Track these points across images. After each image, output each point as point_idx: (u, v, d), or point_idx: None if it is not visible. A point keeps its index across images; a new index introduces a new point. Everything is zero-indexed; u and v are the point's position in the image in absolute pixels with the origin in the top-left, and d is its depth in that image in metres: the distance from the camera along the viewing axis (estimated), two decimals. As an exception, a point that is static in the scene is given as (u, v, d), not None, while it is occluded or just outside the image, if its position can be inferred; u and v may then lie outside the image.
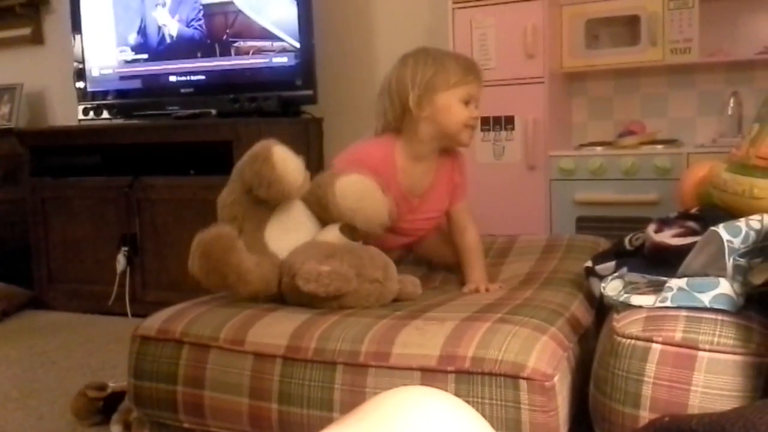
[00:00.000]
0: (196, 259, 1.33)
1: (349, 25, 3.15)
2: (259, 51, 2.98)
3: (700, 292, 0.98)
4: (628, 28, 2.61)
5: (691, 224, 1.27)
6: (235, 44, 3.03)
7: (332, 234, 1.43)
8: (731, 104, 2.55)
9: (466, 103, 1.50)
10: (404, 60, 1.54)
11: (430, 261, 1.77)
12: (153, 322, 1.33)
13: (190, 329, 1.27)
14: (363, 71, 3.12)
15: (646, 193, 2.39)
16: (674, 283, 1.03)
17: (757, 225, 1.01)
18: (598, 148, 2.56)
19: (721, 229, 1.01)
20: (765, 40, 2.54)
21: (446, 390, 1.04)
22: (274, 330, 1.22)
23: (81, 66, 3.37)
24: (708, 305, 0.96)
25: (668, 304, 1.00)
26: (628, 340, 0.93)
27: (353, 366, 1.12)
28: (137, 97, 3.26)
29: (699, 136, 2.67)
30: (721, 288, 0.97)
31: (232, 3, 3.01)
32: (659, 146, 2.49)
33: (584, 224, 2.52)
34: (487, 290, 1.48)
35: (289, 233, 1.43)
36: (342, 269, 1.29)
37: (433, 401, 0.51)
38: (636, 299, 1.06)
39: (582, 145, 2.68)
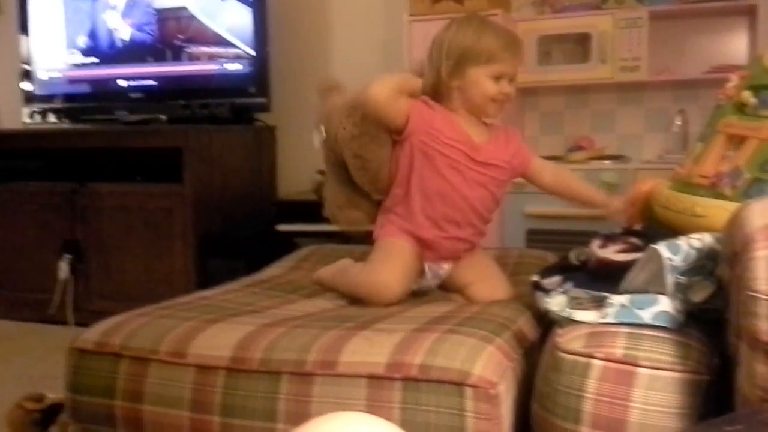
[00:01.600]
0: None
1: (305, 33, 3.14)
2: (212, 57, 2.95)
3: (640, 308, 0.99)
4: (580, 45, 2.66)
5: (635, 240, 1.29)
6: (188, 50, 2.98)
7: None
8: (678, 122, 2.62)
9: (497, 78, 1.49)
10: (450, 24, 1.54)
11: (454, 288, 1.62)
12: (91, 335, 1.29)
13: (129, 342, 1.24)
14: (318, 80, 3.10)
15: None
16: (616, 299, 1.04)
17: (697, 243, 1.02)
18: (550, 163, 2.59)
19: (662, 247, 1.02)
20: (711, 60, 2.62)
21: (393, 397, 1.06)
22: (218, 341, 1.20)
23: (28, 68, 3.28)
24: (648, 322, 0.97)
25: (610, 320, 1.01)
26: (570, 356, 0.94)
27: (299, 375, 1.11)
28: (85, 102, 3.18)
29: (646, 153, 2.74)
30: (662, 305, 0.98)
31: (185, 8, 2.97)
32: (607, 162, 2.54)
33: (534, 237, 2.55)
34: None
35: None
36: None
37: (367, 427, 0.50)
38: (579, 315, 1.07)
39: (533, 159, 2.70)
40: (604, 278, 1.17)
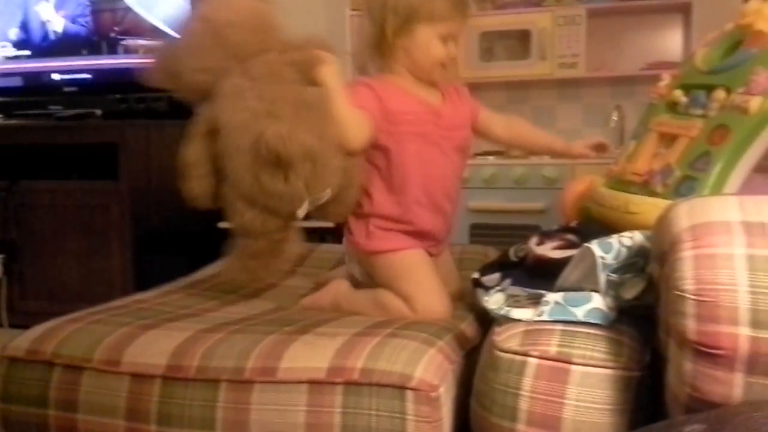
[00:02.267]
0: None
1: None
2: (149, 50, 2.87)
3: (574, 306, 1.01)
4: (520, 42, 2.69)
5: (571, 237, 1.31)
6: (124, 42, 2.90)
7: None
8: (614, 117, 2.68)
9: (445, 39, 1.39)
10: None
11: None
12: (22, 342, 1.24)
13: (61, 350, 1.20)
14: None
15: (535, 201, 2.47)
16: (551, 297, 1.06)
17: (628, 242, 1.05)
18: (491, 158, 2.62)
19: (594, 245, 1.04)
20: (647, 56, 2.69)
21: (334, 402, 1.05)
22: (153, 349, 1.17)
23: (-45, 60, 3.15)
24: (581, 319, 0.99)
25: (545, 317, 1.02)
26: (507, 355, 0.95)
27: (237, 383, 1.10)
28: (18, 96, 3.05)
29: (585, 147, 2.79)
30: (594, 302, 1.00)
31: (121, 0, 2.88)
32: (547, 156, 2.58)
33: (478, 231, 2.58)
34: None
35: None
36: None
37: None
38: (516, 313, 1.08)
39: (476, 155, 2.73)
40: (541, 275, 1.19)
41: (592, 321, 0.98)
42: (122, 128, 2.60)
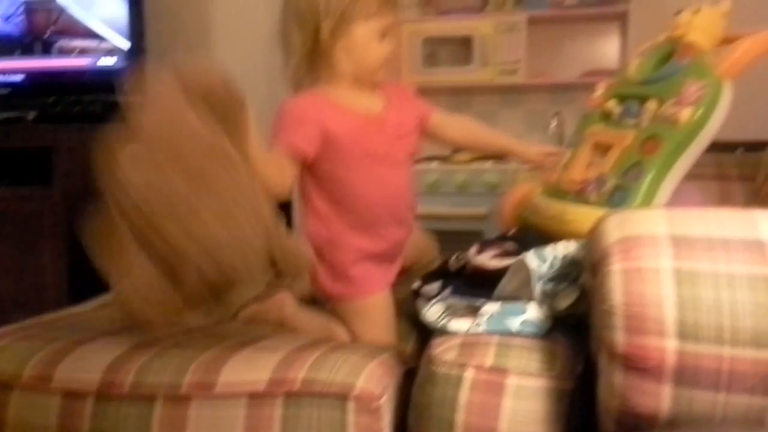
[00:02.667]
0: None
1: (185, 25, 3.04)
2: (84, 51, 2.79)
3: (510, 317, 1.02)
4: (463, 47, 2.72)
5: (510, 246, 1.33)
6: (58, 43, 2.82)
7: None
8: (554, 123, 2.73)
9: (383, 35, 1.34)
10: None
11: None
12: (-56, 360, 1.19)
13: (-12, 367, 1.15)
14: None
15: (478, 207, 2.49)
16: (488, 308, 1.07)
17: (562, 252, 1.07)
18: (434, 163, 2.64)
19: (529, 255, 1.06)
20: (585, 64, 2.74)
21: (273, 414, 1.03)
22: (86, 365, 1.14)
23: None
24: (516, 331, 1.00)
25: (481, 329, 1.03)
26: (443, 368, 0.95)
27: (174, 399, 1.07)
28: (-55, 97, 2.94)
29: (526, 153, 2.83)
30: (529, 313, 1.02)
31: (55, 0, 2.80)
32: (489, 162, 2.61)
33: (422, 237, 2.58)
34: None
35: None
36: None
37: None
38: (453, 324, 1.09)
39: (419, 160, 2.75)
40: (480, 285, 1.20)
41: (526, 332, 0.99)
42: (56, 132, 2.53)
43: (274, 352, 1.11)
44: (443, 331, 1.06)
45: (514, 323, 1.00)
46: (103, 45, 2.78)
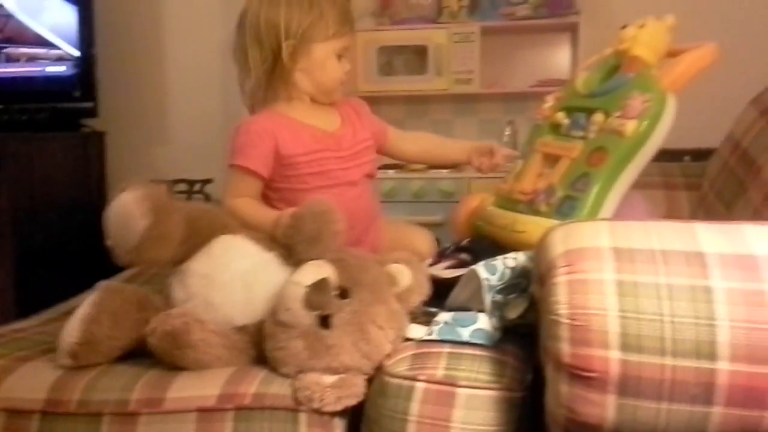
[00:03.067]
0: None
1: (136, 34, 3.01)
2: (32, 58, 2.74)
3: (461, 326, 1.03)
4: (418, 57, 2.74)
5: (464, 256, 1.34)
6: (5, 50, 2.75)
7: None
8: (508, 132, 2.76)
9: (340, 56, 1.37)
10: (267, 0, 1.34)
11: None
12: None
13: (-74, 387, 1.11)
14: (152, 83, 2.99)
15: (433, 215, 2.50)
16: (441, 317, 1.08)
17: (512, 263, 1.08)
18: (390, 171, 2.65)
19: (480, 267, 1.07)
20: (537, 73, 2.79)
21: (224, 429, 1.02)
22: (31, 382, 1.11)
23: None
24: (467, 339, 1.01)
25: (434, 337, 1.04)
26: (395, 380, 0.95)
27: (121, 416, 1.05)
28: None
29: (481, 161, 2.86)
30: (480, 323, 1.03)
31: (2, 6, 2.73)
32: (444, 170, 2.63)
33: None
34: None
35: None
36: (353, 365, 1.03)
37: None
38: (410, 331, 1.09)
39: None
40: (436, 295, 1.21)
41: (476, 341, 1.00)
42: (4, 141, 2.47)
43: (221, 370, 1.10)
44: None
45: (466, 332, 1.01)
46: (53, 52, 2.73)
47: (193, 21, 2.97)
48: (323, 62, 1.35)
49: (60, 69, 2.72)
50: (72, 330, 1.12)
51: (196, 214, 1.19)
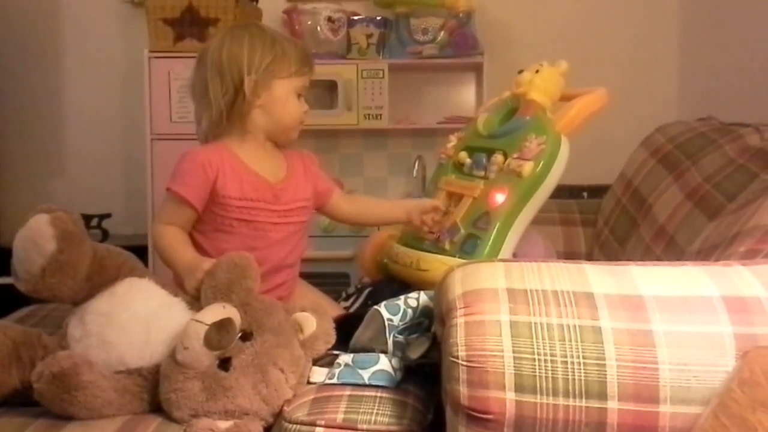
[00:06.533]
0: None
1: (35, 66, 2.89)
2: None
3: (362, 368, 1.02)
4: (328, 91, 2.75)
5: (367, 296, 1.34)
6: None
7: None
8: (416, 167, 2.80)
9: (299, 95, 1.36)
10: (237, 34, 1.34)
11: None
12: None
13: None
14: (48, 114, 2.89)
15: (343, 249, 2.50)
16: (342, 359, 1.07)
17: (414, 303, 1.09)
18: (299, 206, 2.64)
19: (382, 307, 1.07)
20: (444, 110, 2.85)
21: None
22: None
23: None
24: (368, 382, 1.00)
25: (335, 381, 1.03)
26: (294, 426, 0.93)
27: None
28: None
29: (390, 195, 2.89)
30: (381, 364, 1.02)
31: None
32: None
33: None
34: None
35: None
36: (251, 408, 1.00)
37: None
38: (313, 375, 1.08)
39: (284, 202, 2.73)
40: (341, 336, 1.19)
41: (377, 383, 0.99)
42: None
43: (113, 419, 1.04)
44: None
45: (366, 374, 1.00)
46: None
47: (95, 55, 2.88)
48: (284, 99, 1.34)
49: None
50: None
51: (106, 253, 1.16)
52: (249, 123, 1.34)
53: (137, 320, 1.09)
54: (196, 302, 1.12)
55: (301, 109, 1.37)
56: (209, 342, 0.99)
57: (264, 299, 1.12)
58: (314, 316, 1.12)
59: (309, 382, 1.07)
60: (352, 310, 1.30)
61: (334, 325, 1.16)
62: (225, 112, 1.31)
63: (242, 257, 1.11)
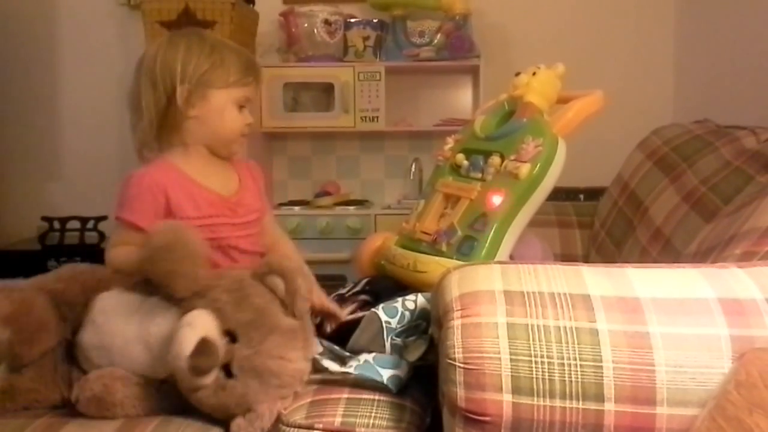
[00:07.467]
0: None
1: (32, 66, 2.88)
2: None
3: (383, 367, 1.02)
4: (325, 93, 2.75)
5: (364, 297, 1.34)
6: None
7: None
8: (413, 169, 2.80)
9: (241, 107, 1.29)
10: (173, 41, 1.27)
11: None
12: None
13: None
14: (45, 117, 2.89)
15: (340, 251, 2.50)
16: (363, 356, 1.07)
17: (411, 305, 1.09)
18: (296, 208, 2.63)
19: (380, 310, 1.07)
20: (441, 113, 2.85)
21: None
22: None
23: None
24: (385, 382, 1.00)
25: (352, 371, 1.03)
26: (292, 429, 0.93)
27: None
28: None
29: (387, 197, 2.89)
30: (400, 370, 1.02)
31: None
32: (351, 207, 2.64)
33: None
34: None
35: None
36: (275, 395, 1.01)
37: None
38: (326, 362, 1.08)
39: (282, 204, 2.73)
40: (339, 339, 1.19)
41: (390, 387, 0.99)
42: None
43: (109, 422, 1.04)
44: (317, 367, 1.06)
45: (386, 374, 1.00)
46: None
47: (92, 56, 2.87)
48: (221, 110, 1.27)
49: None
50: None
51: (61, 287, 1.16)
52: (186, 135, 1.28)
53: (134, 343, 1.09)
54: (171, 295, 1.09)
55: (242, 120, 1.30)
56: (197, 371, 0.98)
57: (228, 286, 1.07)
58: (280, 279, 1.07)
59: (323, 368, 1.06)
60: (348, 295, 1.30)
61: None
62: (156, 122, 1.26)
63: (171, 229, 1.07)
